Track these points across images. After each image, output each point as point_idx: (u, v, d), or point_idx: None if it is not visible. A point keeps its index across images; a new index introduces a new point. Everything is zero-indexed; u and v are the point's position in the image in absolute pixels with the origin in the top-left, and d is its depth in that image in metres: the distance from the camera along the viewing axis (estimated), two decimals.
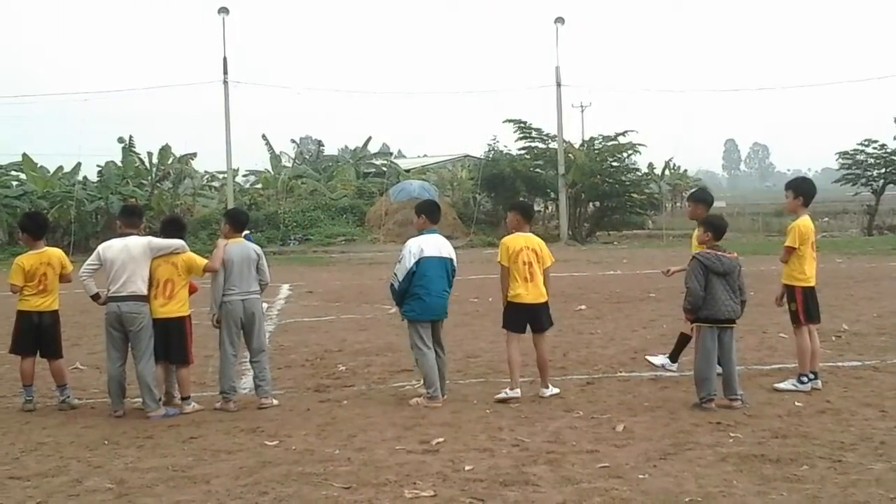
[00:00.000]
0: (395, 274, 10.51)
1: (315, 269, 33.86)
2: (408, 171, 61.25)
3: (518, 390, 10.31)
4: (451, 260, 10.68)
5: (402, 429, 9.20)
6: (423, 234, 10.71)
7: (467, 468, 7.73)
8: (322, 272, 32.47)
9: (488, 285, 23.37)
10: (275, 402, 10.52)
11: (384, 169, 60.22)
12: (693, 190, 12.60)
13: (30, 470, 8.10)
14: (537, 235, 11.08)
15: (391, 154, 71.80)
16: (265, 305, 12.18)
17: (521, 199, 13.90)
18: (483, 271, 27.03)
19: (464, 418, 9.59)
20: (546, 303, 10.60)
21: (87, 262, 10.43)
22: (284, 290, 24.83)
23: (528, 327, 10.62)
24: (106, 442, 9.01)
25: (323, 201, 52.46)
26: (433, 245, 10.60)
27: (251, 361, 10.68)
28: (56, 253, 10.98)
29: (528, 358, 10.89)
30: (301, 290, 24.96)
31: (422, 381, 10.54)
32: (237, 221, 10.97)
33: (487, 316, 17.68)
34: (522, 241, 10.57)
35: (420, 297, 10.38)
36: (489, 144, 55.15)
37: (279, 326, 17.54)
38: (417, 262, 10.37)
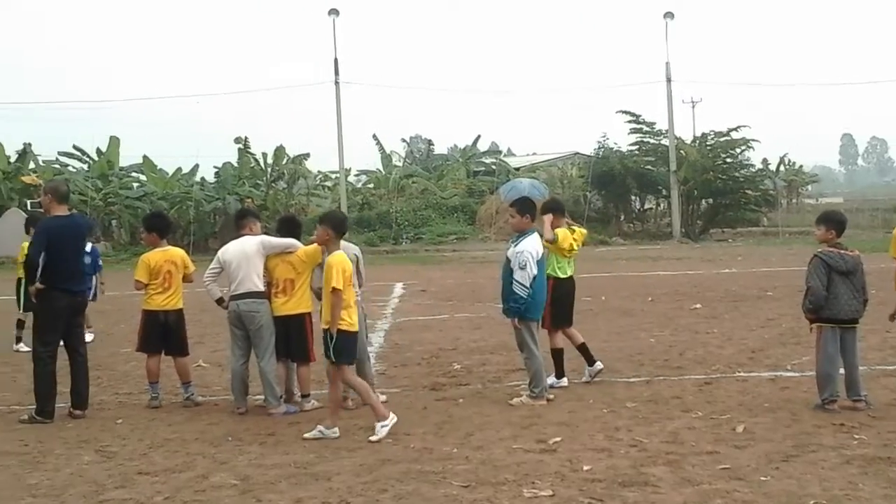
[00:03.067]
0: (521, 283, 10.19)
1: (427, 268, 34.07)
2: (517, 169, 61.16)
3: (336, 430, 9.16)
4: None
5: (518, 428, 9.22)
6: (527, 234, 10.51)
7: (585, 468, 7.72)
8: (434, 271, 32.65)
9: (599, 284, 23.26)
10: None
11: (494, 167, 60.25)
12: (547, 200, 12.07)
13: (157, 465, 8.32)
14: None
15: (500, 152, 71.81)
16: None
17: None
18: (595, 269, 26.92)
19: (580, 418, 9.58)
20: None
21: (210, 267, 10.70)
22: (398, 288, 25.04)
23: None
24: (230, 438, 9.22)
25: (434, 200, 52.70)
26: (540, 245, 10.61)
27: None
28: (179, 252, 11.28)
29: (643, 355, 10.77)
30: (414, 288, 25.15)
31: (529, 381, 10.53)
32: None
33: (601, 315, 17.61)
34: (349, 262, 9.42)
35: (533, 298, 10.36)
36: (599, 141, 54.81)
37: (393, 325, 17.71)
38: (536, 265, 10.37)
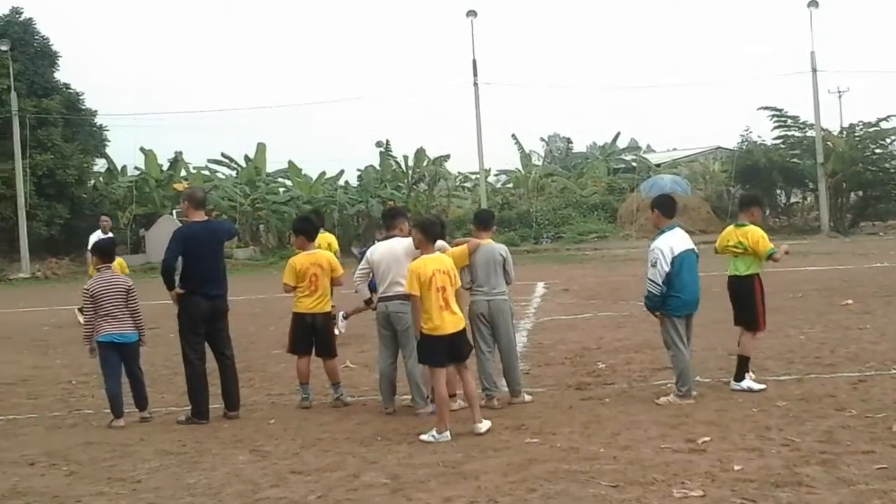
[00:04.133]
0: (653, 280, 10.21)
1: (568, 267, 33.95)
2: (658, 165, 60.44)
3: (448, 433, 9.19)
4: (696, 252, 10.51)
5: (666, 427, 9.13)
6: (664, 231, 10.45)
7: (736, 468, 7.61)
8: (576, 269, 32.51)
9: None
10: (527, 398, 10.70)
11: (634, 164, 59.67)
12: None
13: (310, 465, 8.51)
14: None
15: (640, 149, 70.89)
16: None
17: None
18: None
19: (729, 417, 9.43)
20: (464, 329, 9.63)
21: (359, 267, 10.89)
22: (539, 288, 25.02)
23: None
24: (379, 438, 9.37)
25: (574, 199, 52.53)
26: (681, 240, 10.41)
27: (502, 360, 10.82)
28: (326, 255, 11.50)
29: (794, 353, 10.48)
30: (556, 287, 25.09)
31: (675, 379, 10.39)
32: (483, 221, 11.14)
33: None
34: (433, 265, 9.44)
35: (677, 295, 10.25)
36: (742, 135, 53.87)
37: (536, 324, 17.71)
38: (672, 262, 10.20)
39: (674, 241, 10.34)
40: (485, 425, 9.28)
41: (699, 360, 11.02)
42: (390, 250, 10.59)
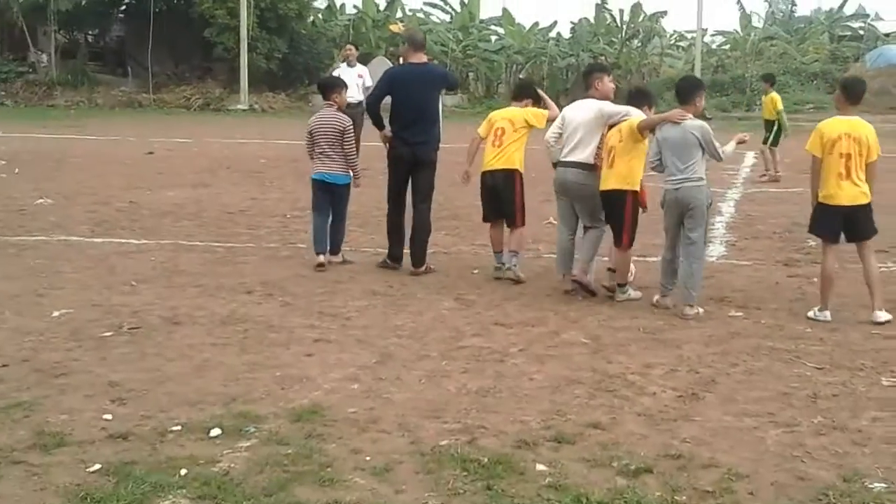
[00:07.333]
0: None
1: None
2: (887, 34, 57.19)
3: (827, 313, 8.66)
4: None
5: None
6: None
7: None
8: (789, 141, 31.15)
9: None
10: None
11: (861, 32, 56.63)
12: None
13: (512, 318, 8.67)
14: None
15: (868, 16, 67.01)
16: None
17: None
18: None
19: None
20: (864, 205, 8.71)
21: (553, 125, 9.93)
22: (749, 157, 24.30)
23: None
24: (580, 297, 9.40)
25: (793, 66, 50.28)
26: None
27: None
28: (520, 111, 10.39)
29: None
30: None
31: None
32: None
33: None
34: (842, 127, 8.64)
35: None
36: None
37: (744, 195, 17.33)
38: None
39: None
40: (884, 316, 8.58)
41: None
42: (582, 112, 9.63)
